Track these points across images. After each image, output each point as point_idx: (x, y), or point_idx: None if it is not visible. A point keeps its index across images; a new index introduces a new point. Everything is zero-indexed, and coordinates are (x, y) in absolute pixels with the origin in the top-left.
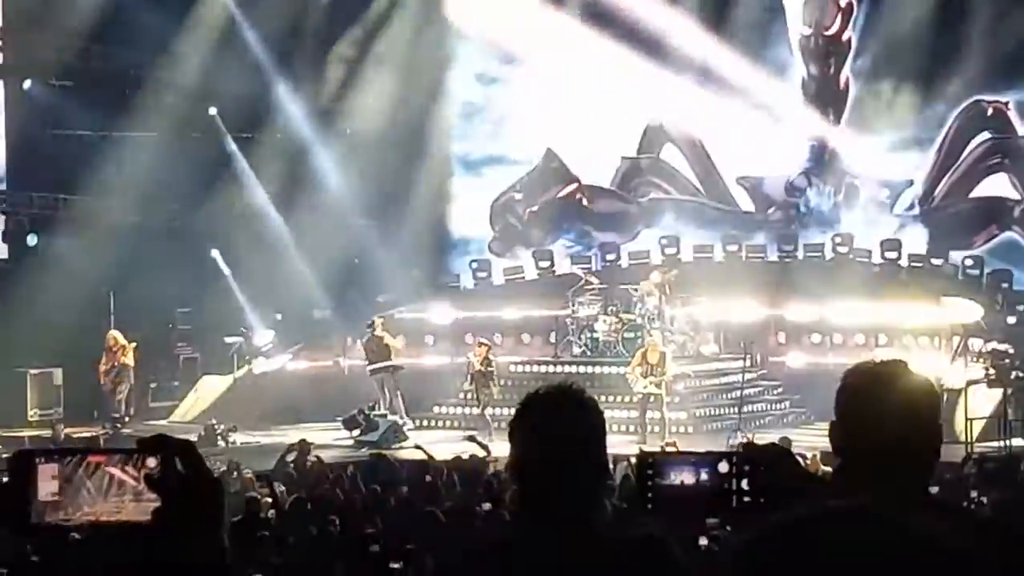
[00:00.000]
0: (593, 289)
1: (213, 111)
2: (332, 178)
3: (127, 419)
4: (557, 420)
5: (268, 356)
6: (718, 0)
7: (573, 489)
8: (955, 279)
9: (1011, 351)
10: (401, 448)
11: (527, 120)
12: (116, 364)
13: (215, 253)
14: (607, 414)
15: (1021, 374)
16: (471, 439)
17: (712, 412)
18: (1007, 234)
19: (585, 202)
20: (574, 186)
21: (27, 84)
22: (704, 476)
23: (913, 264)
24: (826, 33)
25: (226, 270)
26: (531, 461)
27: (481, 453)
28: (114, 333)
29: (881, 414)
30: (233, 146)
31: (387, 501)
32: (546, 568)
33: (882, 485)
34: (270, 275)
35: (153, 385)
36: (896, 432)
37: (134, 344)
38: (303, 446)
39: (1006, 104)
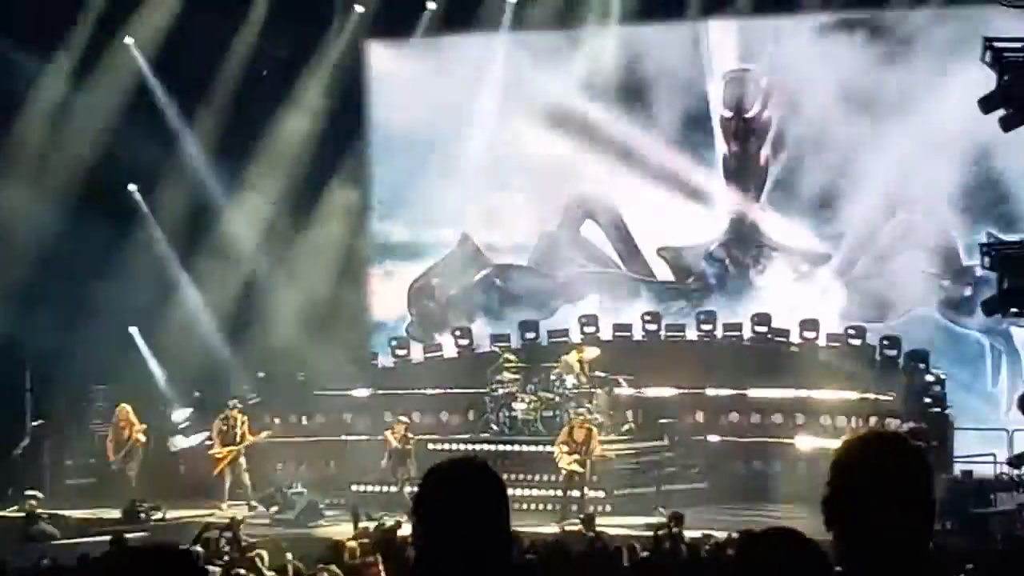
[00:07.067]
0: (512, 367)
1: (132, 188)
2: (246, 248)
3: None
4: (458, 492)
5: (186, 434)
6: (639, 82)
7: (473, 559)
8: (872, 359)
9: (925, 428)
10: (318, 526)
11: (445, 202)
12: (126, 441)
13: (133, 330)
14: (525, 493)
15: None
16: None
17: (631, 491)
18: (923, 310)
19: (500, 282)
20: (489, 269)
21: None
22: None
23: (831, 344)
24: (747, 115)
25: (144, 347)
26: (433, 532)
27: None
28: (124, 407)
29: (875, 486)
30: (146, 211)
31: None
32: None
33: (882, 555)
34: (189, 352)
35: (69, 462)
36: (894, 503)
37: (145, 425)
38: (233, 523)
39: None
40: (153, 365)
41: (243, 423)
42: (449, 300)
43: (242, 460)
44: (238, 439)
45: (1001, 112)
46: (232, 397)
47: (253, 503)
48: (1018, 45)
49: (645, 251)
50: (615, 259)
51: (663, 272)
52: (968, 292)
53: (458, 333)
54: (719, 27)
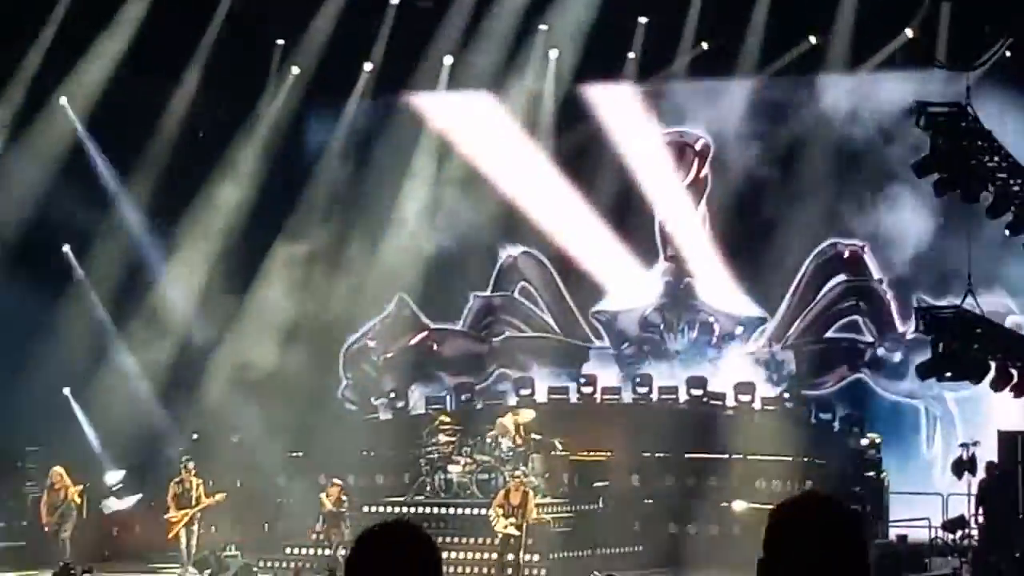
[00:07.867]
0: (447, 430)
1: (66, 249)
2: (182, 310)
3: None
4: (391, 556)
5: (119, 496)
6: (576, 143)
7: None
8: (807, 423)
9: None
10: None
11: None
12: (61, 502)
13: (67, 391)
14: (460, 556)
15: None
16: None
17: (567, 555)
18: (857, 375)
19: (436, 347)
20: (425, 333)
21: None
22: None
23: (766, 408)
24: (684, 180)
25: (78, 410)
26: None
27: None
28: (58, 470)
29: (809, 548)
30: (80, 273)
31: None
32: None
33: None
34: (123, 413)
35: (1, 525)
36: (828, 567)
37: (81, 486)
38: None
39: (862, 247)
40: (87, 427)
41: (198, 485)
42: (385, 363)
43: (194, 524)
44: (193, 502)
45: (935, 176)
46: (187, 458)
47: (188, 567)
48: (951, 110)
49: (580, 315)
50: (550, 322)
51: (598, 337)
52: (902, 356)
53: (393, 395)
54: (654, 89)
